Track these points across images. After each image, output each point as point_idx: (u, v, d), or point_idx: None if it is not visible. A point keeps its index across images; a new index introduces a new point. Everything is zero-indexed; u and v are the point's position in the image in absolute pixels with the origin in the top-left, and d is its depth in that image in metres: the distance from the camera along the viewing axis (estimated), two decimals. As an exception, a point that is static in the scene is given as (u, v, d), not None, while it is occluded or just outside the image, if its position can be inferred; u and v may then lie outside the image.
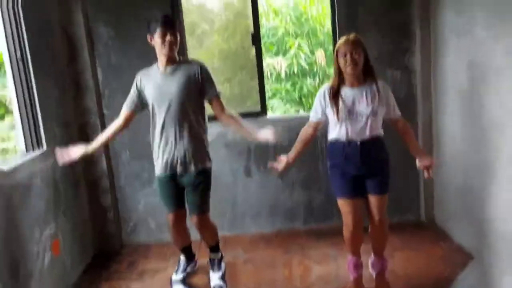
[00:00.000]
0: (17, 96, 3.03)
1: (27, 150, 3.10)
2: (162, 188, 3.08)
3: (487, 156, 3.05)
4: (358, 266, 3.06)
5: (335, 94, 2.79)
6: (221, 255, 3.40)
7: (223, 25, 5.09)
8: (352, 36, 2.77)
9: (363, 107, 2.76)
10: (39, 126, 3.15)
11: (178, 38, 2.90)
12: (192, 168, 2.96)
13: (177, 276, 3.36)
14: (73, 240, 3.52)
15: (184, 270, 3.41)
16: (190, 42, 4.26)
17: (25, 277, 2.77)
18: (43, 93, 3.18)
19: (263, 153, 4.00)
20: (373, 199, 2.91)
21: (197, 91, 2.94)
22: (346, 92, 2.79)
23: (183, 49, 3.91)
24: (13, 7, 2.97)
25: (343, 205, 2.91)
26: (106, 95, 3.80)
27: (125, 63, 3.75)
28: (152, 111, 2.98)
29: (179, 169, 2.96)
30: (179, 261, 3.45)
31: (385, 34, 3.82)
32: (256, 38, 3.94)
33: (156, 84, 2.93)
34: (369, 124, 2.77)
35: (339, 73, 2.80)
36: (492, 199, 3.03)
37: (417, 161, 2.92)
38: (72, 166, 3.54)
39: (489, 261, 3.14)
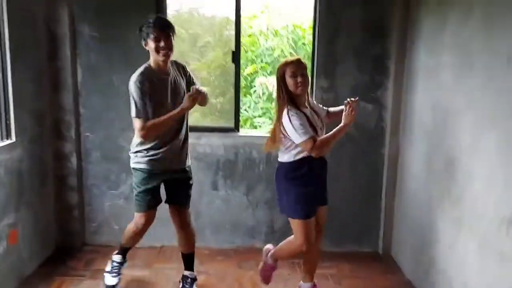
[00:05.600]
0: (-10, 86, 3.12)
1: (-5, 139, 3.18)
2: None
3: (438, 195, 3.13)
4: None
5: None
6: (195, 276, 3.40)
7: (224, 41, 5.15)
8: (296, 58, 2.87)
9: (320, 125, 2.92)
10: (9, 118, 3.23)
11: (173, 42, 2.91)
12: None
13: (114, 280, 3.36)
14: (34, 233, 3.57)
15: (119, 272, 3.39)
16: (190, 54, 4.32)
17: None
18: (18, 85, 3.27)
19: (231, 168, 4.08)
20: (322, 209, 3.09)
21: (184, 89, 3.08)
22: (306, 112, 2.87)
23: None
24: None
25: (308, 225, 2.94)
26: (83, 94, 3.89)
27: (105, 64, 3.84)
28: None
29: None
30: (113, 262, 3.40)
31: (362, 66, 3.91)
32: (236, 56, 4.03)
33: (161, 86, 2.94)
34: None
35: (288, 95, 2.83)
36: (439, 237, 3.10)
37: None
38: (41, 160, 3.63)
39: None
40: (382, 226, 4.08)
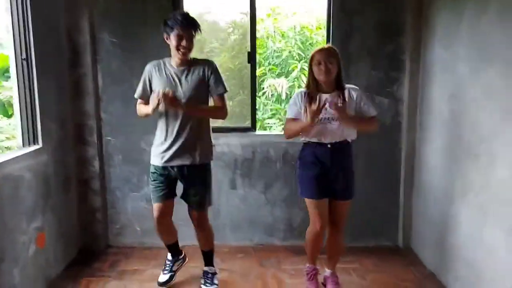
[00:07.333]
0: (18, 94, 3.20)
1: (23, 145, 3.26)
2: (155, 178, 3.18)
3: (460, 185, 3.18)
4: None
5: (310, 99, 2.97)
6: (215, 270, 3.51)
7: (231, 44, 5.22)
8: (327, 46, 3.02)
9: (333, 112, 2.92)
10: (36, 124, 3.31)
11: (194, 40, 3.00)
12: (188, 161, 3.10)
13: (164, 277, 3.51)
14: (59, 236, 3.64)
15: (171, 270, 3.54)
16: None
17: (10, 265, 2.92)
18: (43, 92, 3.35)
19: (249, 167, 4.14)
20: (337, 204, 3.12)
21: (206, 89, 3.09)
22: (320, 97, 2.94)
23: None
24: (22, 10, 3.16)
25: (312, 205, 3.09)
26: (104, 99, 3.97)
27: (125, 70, 3.91)
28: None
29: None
30: (166, 260, 3.60)
31: (376, 63, 3.98)
32: (252, 57, 4.10)
33: (167, 78, 3.02)
34: (340, 128, 2.98)
35: (314, 81, 3.00)
36: (462, 227, 3.15)
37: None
38: (64, 164, 3.71)
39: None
40: (401, 219, 4.13)
